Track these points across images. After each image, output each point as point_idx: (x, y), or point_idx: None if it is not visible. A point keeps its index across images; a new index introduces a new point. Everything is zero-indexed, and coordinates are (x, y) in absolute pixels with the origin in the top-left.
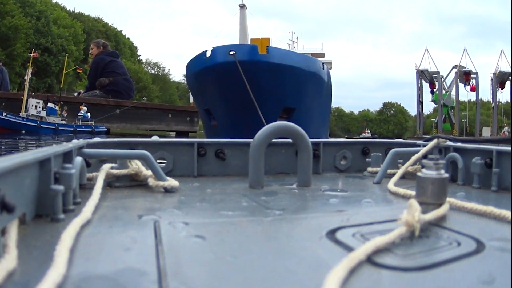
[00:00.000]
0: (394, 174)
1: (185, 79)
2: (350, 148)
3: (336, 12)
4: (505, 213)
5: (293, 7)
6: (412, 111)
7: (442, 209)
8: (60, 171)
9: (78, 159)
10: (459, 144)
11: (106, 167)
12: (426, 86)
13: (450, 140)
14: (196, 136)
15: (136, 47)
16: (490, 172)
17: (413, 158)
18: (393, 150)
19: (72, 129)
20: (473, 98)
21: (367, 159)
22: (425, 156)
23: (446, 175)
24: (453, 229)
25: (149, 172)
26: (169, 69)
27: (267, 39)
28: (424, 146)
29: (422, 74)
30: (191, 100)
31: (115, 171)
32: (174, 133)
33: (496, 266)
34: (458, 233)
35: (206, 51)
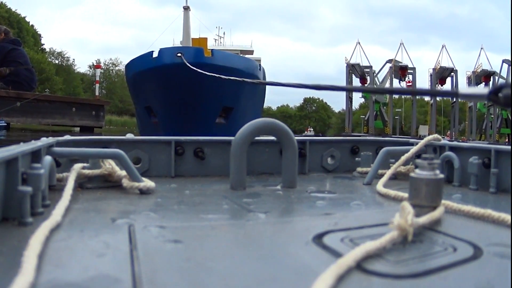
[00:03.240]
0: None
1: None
2: (339, 146)
3: (253, 2)
4: (504, 216)
5: None
6: (335, 107)
7: (436, 212)
8: (28, 171)
9: (48, 159)
10: (455, 143)
11: (77, 167)
12: (356, 81)
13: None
14: (101, 133)
15: (40, 35)
16: (488, 173)
17: (403, 157)
18: (384, 149)
19: None
20: (407, 95)
21: (356, 159)
22: (418, 156)
23: (441, 175)
24: (449, 234)
25: (123, 172)
26: (73, 59)
27: (205, 39)
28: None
29: (353, 69)
30: (97, 92)
31: (87, 171)
32: (78, 128)
33: (494, 273)
34: (454, 237)
35: (152, 51)
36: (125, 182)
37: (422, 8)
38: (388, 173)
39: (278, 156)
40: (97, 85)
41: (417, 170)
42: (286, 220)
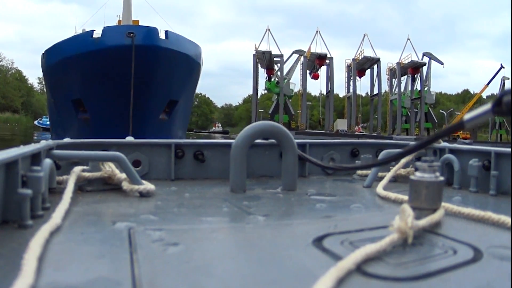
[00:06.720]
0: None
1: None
2: (339, 149)
3: None
4: (504, 219)
5: None
6: (218, 101)
7: (437, 215)
8: (27, 174)
9: (47, 161)
10: (455, 145)
11: (77, 169)
12: (261, 72)
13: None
14: None
15: None
16: (488, 175)
17: (403, 160)
18: (384, 151)
19: None
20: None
21: (356, 161)
22: (418, 158)
23: (442, 178)
24: (449, 236)
25: (123, 175)
26: None
27: (138, 22)
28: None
29: (263, 56)
30: None
31: (87, 174)
32: None
33: (494, 275)
34: (454, 240)
35: (92, 30)
36: (125, 185)
37: (311, 6)
38: (388, 175)
39: (278, 159)
40: None
41: (417, 173)
42: (286, 223)
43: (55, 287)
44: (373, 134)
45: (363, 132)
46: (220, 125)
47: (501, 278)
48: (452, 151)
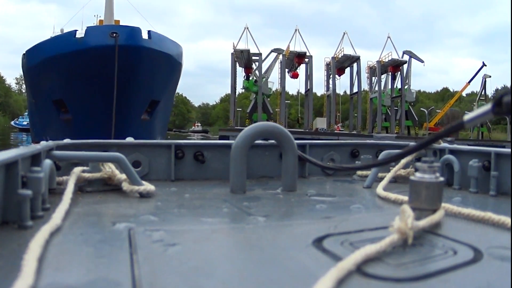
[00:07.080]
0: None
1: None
2: (339, 150)
3: None
4: (504, 219)
5: None
6: (195, 101)
7: (437, 215)
8: (27, 174)
9: (47, 162)
10: (455, 146)
11: (77, 170)
12: (239, 70)
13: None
14: None
15: None
16: (488, 176)
17: (403, 161)
18: (384, 152)
19: None
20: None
21: (356, 162)
22: (418, 159)
23: (442, 178)
24: (449, 237)
25: (123, 176)
26: None
27: (119, 21)
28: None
29: (241, 55)
30: None
31: (87, 175)
32: None
33: (495, 276)
34: (454, 241)
35: (75, 30)
36: (125, 186)
37: (289, 6)
38: (388, 176)
39: (278, 159)
40: None
41: (417, 173)
42: (286, 224)
43: None
44: (353, 132)
45: (342, 130)
46: (199, 124)
47: (501, 279)
48: (452, 151)
